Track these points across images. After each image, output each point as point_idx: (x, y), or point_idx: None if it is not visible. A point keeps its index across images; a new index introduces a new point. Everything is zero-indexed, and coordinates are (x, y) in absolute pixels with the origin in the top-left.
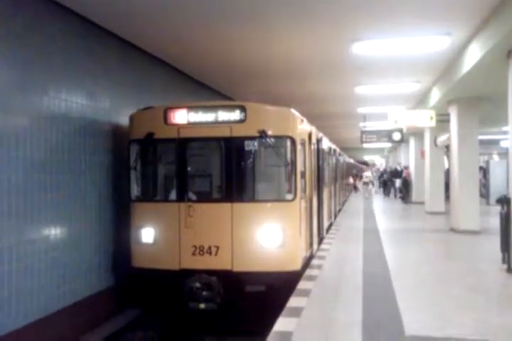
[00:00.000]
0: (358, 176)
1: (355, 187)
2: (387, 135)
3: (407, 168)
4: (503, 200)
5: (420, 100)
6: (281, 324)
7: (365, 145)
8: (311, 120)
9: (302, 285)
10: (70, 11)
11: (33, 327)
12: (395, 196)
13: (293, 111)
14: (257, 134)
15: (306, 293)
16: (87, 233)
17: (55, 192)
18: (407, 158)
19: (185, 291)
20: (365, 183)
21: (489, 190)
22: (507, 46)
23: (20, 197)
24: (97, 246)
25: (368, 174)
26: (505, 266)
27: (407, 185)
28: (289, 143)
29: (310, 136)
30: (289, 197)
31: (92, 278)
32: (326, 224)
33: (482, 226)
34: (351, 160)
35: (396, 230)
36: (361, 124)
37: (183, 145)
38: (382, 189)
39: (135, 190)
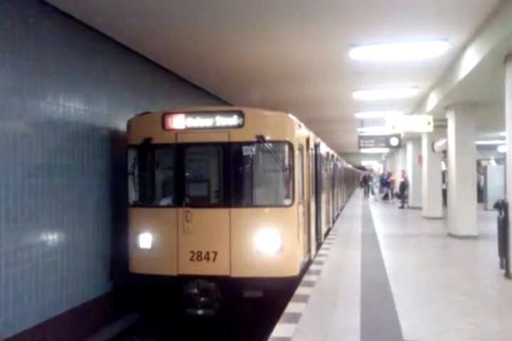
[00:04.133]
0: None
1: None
2: (385, 140)
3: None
4: (500, 205)
5: (418, 105)
6: (280, 330)
7: (362, 151)
8: (309, 125)
9: (300, 290)
10: (68, 16)
11: (29, 333)
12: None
13: (291, 116)
14: (255, 139)
15: (304, 298)
16: (84, 238)
17: (53, 197)
18: (405, 163)
19: (183, 297)
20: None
21: (487, 195)
22: (504, 51)
23: (17, 202)
24: (94, 252)
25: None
26: (503, 271)
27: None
28: (286, 148)
29: (308, 141)
30: (287, 202)
31: (90, 284)
32: (324, 229)
33: (480, 231)
34: (349, 165)
35: (394, 235)
36: (359, 129)
37: (181, 150)
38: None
39: (133, 195)
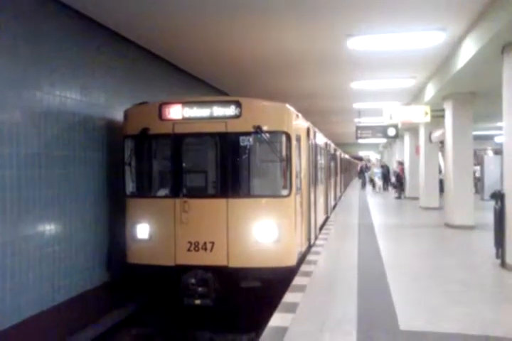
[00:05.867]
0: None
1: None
2: (382, 130)
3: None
4: (497, 195)
5: (415, 96)
6: (277, 319)
7: (360, 141)
8: (307, 115)
9: (297, 280)
10: (64, 5)
11: (28, 323)
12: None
13: (288, 106)
14: (252, 130)
15: (301, 288)
16: (81, 229)
17: (50, 187)
18: (402, 154)
19: (180, 287)
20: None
21: (483, 186)
22: (501, 41)
23: (14, 193)
24: (92, 242)
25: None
26: (498, 261)
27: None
28: (284, 138)
29: (305, 131)
30: (285, 192)
31: (87, 274)
32: (321, 219)
33: (476, 221)
34: (347, 156)
35: (391, 225)
36: (356, 120)
37: (178, 140)
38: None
39: (130, 186)
